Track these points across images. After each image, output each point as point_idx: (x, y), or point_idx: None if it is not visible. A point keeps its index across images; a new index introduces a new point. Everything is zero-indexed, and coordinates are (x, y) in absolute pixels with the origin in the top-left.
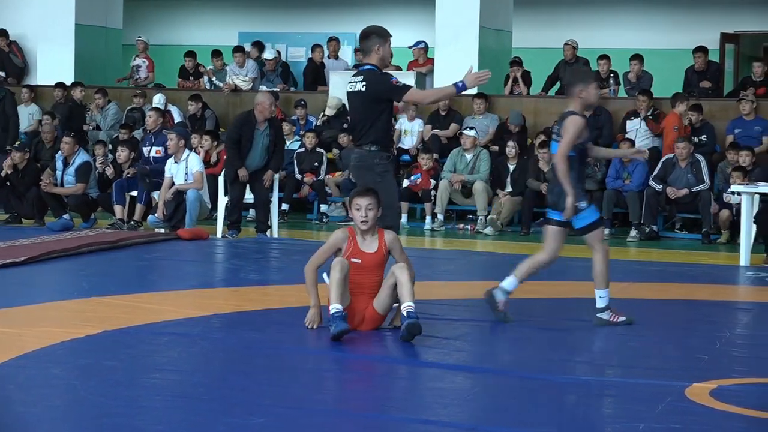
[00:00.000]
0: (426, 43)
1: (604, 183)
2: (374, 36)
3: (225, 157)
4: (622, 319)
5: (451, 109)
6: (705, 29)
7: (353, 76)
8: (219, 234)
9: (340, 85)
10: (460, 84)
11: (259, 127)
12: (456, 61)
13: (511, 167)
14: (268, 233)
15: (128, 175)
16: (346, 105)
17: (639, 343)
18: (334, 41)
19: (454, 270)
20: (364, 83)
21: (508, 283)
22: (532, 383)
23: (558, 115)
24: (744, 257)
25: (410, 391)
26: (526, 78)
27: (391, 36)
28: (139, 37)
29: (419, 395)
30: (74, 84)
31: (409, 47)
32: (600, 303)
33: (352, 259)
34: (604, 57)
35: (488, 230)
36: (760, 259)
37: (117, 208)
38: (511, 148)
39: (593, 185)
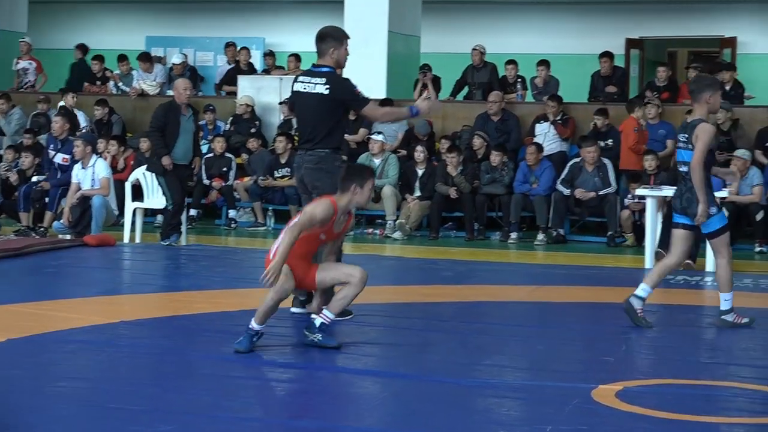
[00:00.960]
0: None
1: (512, 187)
2: (329, 38)
3: (135, 158)
4: (745, 320)
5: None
6: (610, 35)
7: (308, 76)
8: (126, 239)
9: (248, 89)
10: (414, 109)
11: (184, 113)
12: (365, 66)
13: (420, 172)
14: (181, 239)
15: (37, 186)
16: (254, 106)
17: (546, 346)
18: (232, 46)
19: None
20: (328, 86)
21: (642, 290)
22: (441, 387)
23: (467, 120)
24: (649, 260)
25: (320, 396)
26: (435, 83)
27: (348, 38)
28: (23, 38)
29: (329, 401)
30: None
31: None
32: (724, 306)
33: (321, 235)
34: (511, 62)
35: (397, 234)
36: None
37: (23, 215)
38: (419, 153)
39: (501, 189)
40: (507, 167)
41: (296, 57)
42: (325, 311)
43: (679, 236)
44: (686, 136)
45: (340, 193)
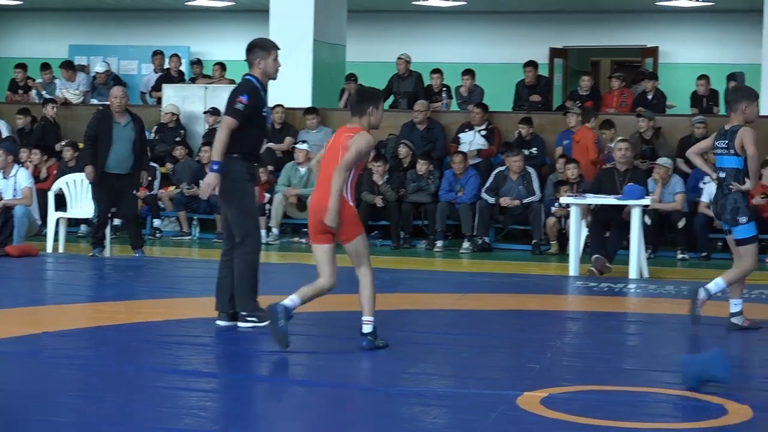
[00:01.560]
0: None
1: (438, 195)
2: (257, 49)
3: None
4: (746, 323)
5: (285, 122)
6: (535, 44)
7: None
8: (49, 249)
9: (173, 98)
10: (215, 166)
11: (119, 120)
12: (290, 75)
13: None
14: (143, 250)
15: None
16: (180, 115)
17: (472, 354)
18: (159, 55)
19: (289, 284)
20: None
21: (715, 285)
22: (368, 395)
23: (393, 128)
24: (573, 268)
25: (246, 406)
26: None
27: (277, 48)
28: None
29: (255, 410)
30: None
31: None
32: (734, 308)
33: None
34: (436, 71)
35: None
36: (587, 269)
37: None
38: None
39: (427, 197)
40: (433, 176)
41: (221, 66)
42: (363, 318)
43: (732, 242)
44: (726, 142)
45: (359, 118)
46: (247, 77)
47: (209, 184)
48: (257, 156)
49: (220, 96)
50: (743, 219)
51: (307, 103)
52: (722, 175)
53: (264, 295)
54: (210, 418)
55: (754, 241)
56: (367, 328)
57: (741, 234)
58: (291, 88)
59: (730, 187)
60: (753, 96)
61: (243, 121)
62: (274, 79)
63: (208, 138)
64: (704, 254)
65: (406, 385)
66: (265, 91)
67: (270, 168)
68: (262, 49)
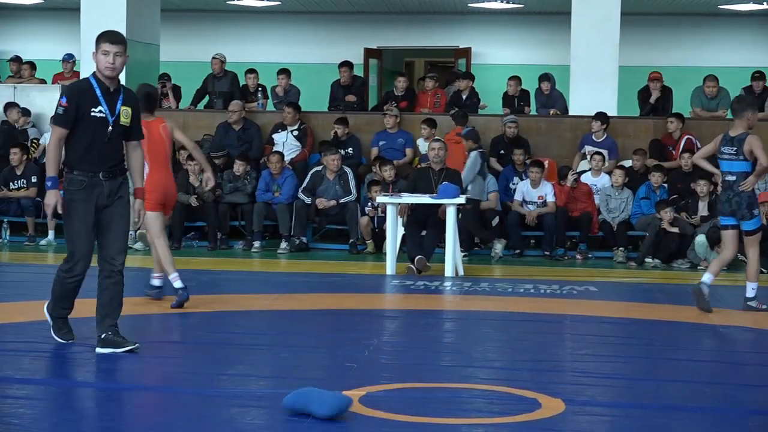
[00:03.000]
0: (75, 56)
1: (254, 195)
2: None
3: None
4: (764, 306)
5: None
6: (349, 44)
7: None
8: None
9: None
10: (48, 182)
11: None
12: None
13: None
14: None
15: None
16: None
17: (290, 354)
18: None
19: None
20: None
21: (707, 278)
22: (183, 398)
23: (208, 129)
24: (390, 266)
25: (60, 412)
26: (176, 91)
27: (108, 41)
28: None
29: (69, 416)
30: None
31: (61, 59)
32: (750, 293)
33: None
34: (252, 71)
35: (138, 245)
36: (405, 267)
37: None
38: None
39: (243, 198)
40: (249, 176)
41: (31, 65)
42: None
43: (729, 236)
44: (735, 148)
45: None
46: (88, 76)
47: (48, 204)
48: (98, 165)
49: (29, 96)
50: (756, 212)
51: None
52: (731, 178)
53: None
54: (20, 426)
55: (760, 231)
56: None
57: (752, 225)
58: None
59: (740, 187)
60: (755, 105)
61: (67, 127)
62: (108, 76)
63: (19, 139)
64: (517, 251)
65: (224, 386)
66: (110, 91)
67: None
68: (95, 43)
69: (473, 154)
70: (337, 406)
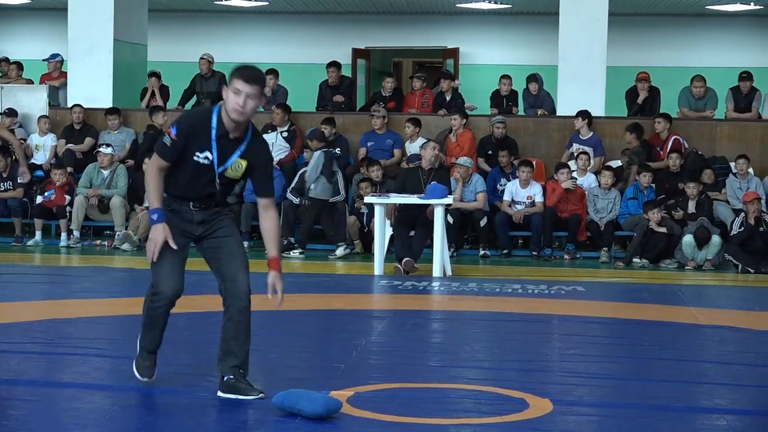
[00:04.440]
0: (62, 56)
1: (242, 196)
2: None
3: None
4: None
5: (86, 123)
6: (337, 45)
7: None
8: None
9: None
10: (153, 215)
11: None
12: (90, 75)
13: None
14: None
15: None
16: None
17: (279, 354)
18: None
19: (91, 287)
20: None
21: None
22: (172, 399)
23: None
24: (378, 266)
25: (47, 412)
26: (164, 91)
27: (242, 78)
28: None
29: (56, 416)
30: None
31: (45, 60)
32: None
33: None
34: None
35: (126, 246)
36: (393, 267)
37: None
38: (147, 165)
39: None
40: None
41: (18, 65)
42: None
43: None
44: None
45: None
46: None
47: (155, 240)
48: (193, 200)
49: (16, 96)
50: None
51: (107, 103)
52: None
53: (65, 299)
54: (10, 427)
55: None
56: None
57: None
58: (91, 88)
59: None
60: None
61: (168, 161)
62: (234, 119)
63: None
64: (505, 251)
65: (213, 387)
66: (229, 137)
67: (69, 170)
68: (229, 75)
69: (317, 153)
70: (326, 404)
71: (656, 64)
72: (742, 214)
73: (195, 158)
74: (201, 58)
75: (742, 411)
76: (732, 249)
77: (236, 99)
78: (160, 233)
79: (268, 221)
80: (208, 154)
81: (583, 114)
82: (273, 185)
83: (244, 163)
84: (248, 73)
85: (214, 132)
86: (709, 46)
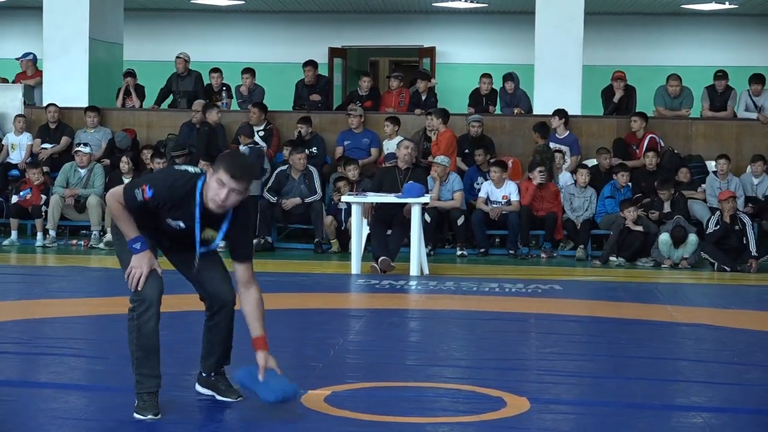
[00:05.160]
0: (35, 55)
1: None
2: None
3: None
4: None
5: (61, 122)
6: (314, 44)
7: None
8: None
9: None
10: (137, 245)
11: None
12: (65, 74)
13: (126, 181)
14: None
15: None
16: None
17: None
18: None
19: (67, 287)
20: None
21: None
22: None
23: (172, 128)
24: (355, 266)
25: (24, 413)
26: (139, 91)
27: (221, 167)
28: None
29: (33, 417)
30: None
31: (17, 59)
32: None
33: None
34: (216, 70)
35: (103, 245)
36: (369, 266)
37: None
38: (124, 163)
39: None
40: None
41: None
42: None
43: None
44: None
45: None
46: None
47: (138, 267)
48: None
49: None
50: None
51: (83, 102)
52: None
53: (41, 299)
54: None
55: None
56: None
57: None
58: (66, 87)
59: None
60: None
61: (132, 213)
62: (212, 208)
63: None
64: (482, 250)
65: (190, 386)
66: (212, 214)
67: (45, 169)
68: (216, 162)
69: (243, 149)
70: (282, 395)
71: (632, 63)
72: (718, 212)
73: (168, 222)
74: (177, 57)
75: (718, 408)
76: (708, 247)
77: (218, 191)
78: (145, 263)
79: (250, 304)
80: (183, 224)
81: (560, 113)
82: (252, 246)
83: (214, 233)
84: (238, 169)
85: (197, 210)
86: (685, 45)
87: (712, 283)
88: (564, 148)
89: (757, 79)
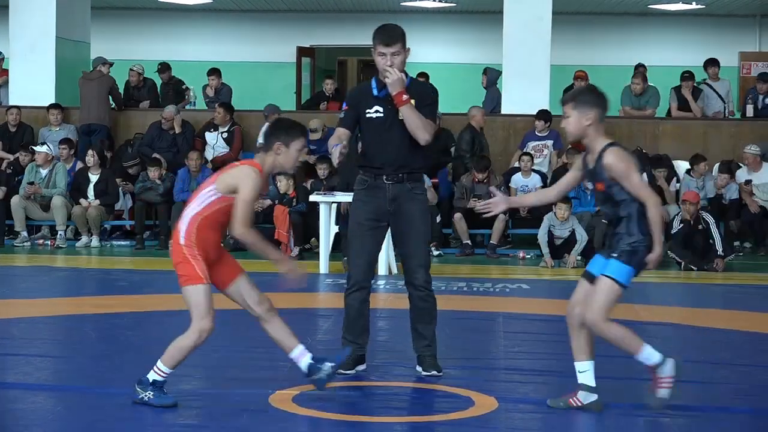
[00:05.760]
0: (2, 54)
1: (171, 194)
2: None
3: None
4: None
5: (22, 124)
6: (282, 43)
7: None
8: None
9: None
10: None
11: None
12: (32, 73)
13: (94, 178)
14: None
15: None
16: None
17: (224, 354)
18: None
19: (34, 287)
20: None
21: None
22: (116, 399)
23: (140, 128)
24: (324, 265)
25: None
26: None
27: (375, 41)
28: None
29: (9, 416)
30: None
31: None
32: None
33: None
34: (167, 68)
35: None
36: (339, 266)
37: None
38: (90, 157)
39: (157, 197)
40: (164, 177)
41: None
42: (159, 364)
43: None
44: None
45: (263, 153)
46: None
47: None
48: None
49: None
50: None
51: (50, 101)
52: None
53: (9, 299)
54: None
55: None
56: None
57: None
58: (33, 85)
59: None
60: None
61: (346, 127)
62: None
63: None
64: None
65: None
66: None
67: (9, 170)
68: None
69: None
70: None
71: (600, 63)
72: (681, 211)
73: (367, 115)
74: (131, 70)
75: (684, 407)
76: (674, 246)
77: (383, 60)
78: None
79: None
80: (377, 108)
81: (544, 116)
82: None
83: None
84: (385, 35)
85: (375, 91)
86: (652, 45)
87: (678, 282)
88: (548, 142)
89: (711, 62)
